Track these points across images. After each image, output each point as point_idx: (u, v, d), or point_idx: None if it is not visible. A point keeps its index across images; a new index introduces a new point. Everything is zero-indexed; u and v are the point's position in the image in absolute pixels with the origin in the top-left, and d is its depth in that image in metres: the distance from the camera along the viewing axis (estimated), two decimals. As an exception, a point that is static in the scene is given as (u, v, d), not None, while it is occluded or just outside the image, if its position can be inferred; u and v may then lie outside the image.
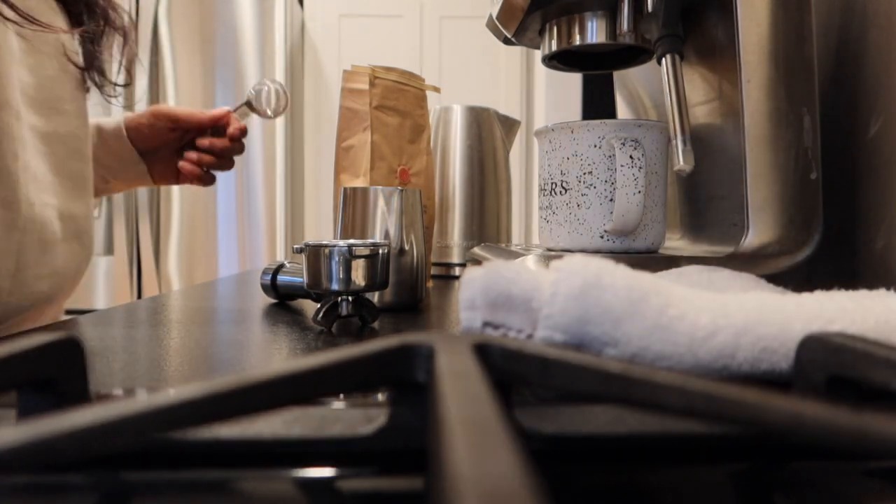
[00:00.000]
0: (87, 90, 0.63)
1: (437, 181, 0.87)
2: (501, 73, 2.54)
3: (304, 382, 0.15)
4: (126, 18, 0.65)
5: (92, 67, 0.61)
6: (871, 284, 0.36)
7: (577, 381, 0.16)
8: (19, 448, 0.12)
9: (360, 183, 0.70)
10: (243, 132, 0.76)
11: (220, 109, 0.76)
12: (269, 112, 0.79)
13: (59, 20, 0.57)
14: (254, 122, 2.11)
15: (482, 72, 2.55)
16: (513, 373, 0.17)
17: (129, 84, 0.69)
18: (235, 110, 0.78)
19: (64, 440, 0.12)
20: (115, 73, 0.66)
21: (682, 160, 0.43)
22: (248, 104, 0.79)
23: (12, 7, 0.48)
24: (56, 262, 0.56)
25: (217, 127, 0.76)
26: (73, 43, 0.59)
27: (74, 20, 0.59)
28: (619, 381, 0.15)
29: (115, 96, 0.66)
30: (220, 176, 0.85)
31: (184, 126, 0.76)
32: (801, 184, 0.44)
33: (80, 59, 0.60)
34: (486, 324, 0.25)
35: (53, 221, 0.55)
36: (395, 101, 0.72)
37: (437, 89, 0.77)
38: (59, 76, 0.57)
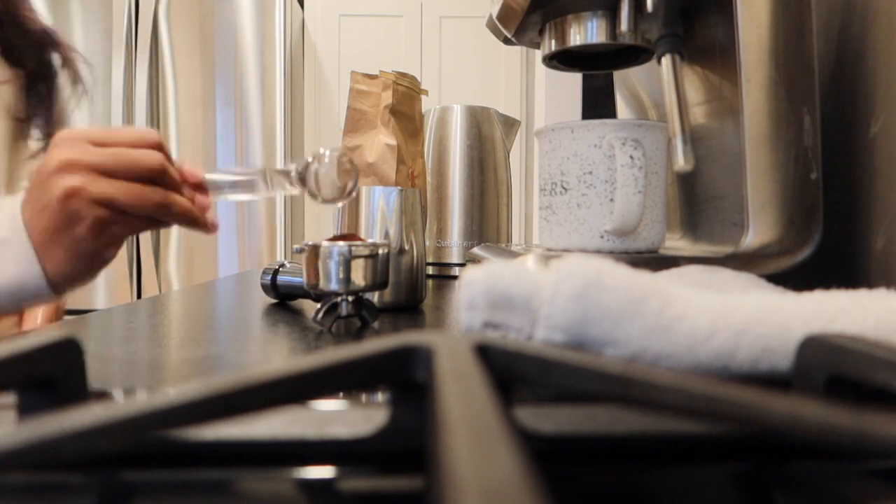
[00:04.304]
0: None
1: (436, 181, 0.88)
2: (501, 73, 2.54)
3: (304, 382, 0.15)
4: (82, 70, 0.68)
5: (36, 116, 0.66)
6: (871, 284, 0.36)
7: (577, 381, 0.16)
8: (19, 448, 0.12)
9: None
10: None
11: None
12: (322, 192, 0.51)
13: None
14: (252, 118, 2.11)
15: (482, 72, 2.54)
16: (513, 373, 0.17)
17: (52, 135, 0.69)
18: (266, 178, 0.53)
19: (64, 440, 0.12)
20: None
21: (682, 160, 0.43)
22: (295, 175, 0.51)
23: None
24: None
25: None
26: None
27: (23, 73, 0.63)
28: (619, 381, 0.15)
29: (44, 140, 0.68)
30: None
31: None
32: (801, 184, 0.44)
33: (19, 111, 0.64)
34: (486, 324, 0.25)
35: None
36: (406, 106, 0.74)
37: (426, 92, 0.79)
38: None
